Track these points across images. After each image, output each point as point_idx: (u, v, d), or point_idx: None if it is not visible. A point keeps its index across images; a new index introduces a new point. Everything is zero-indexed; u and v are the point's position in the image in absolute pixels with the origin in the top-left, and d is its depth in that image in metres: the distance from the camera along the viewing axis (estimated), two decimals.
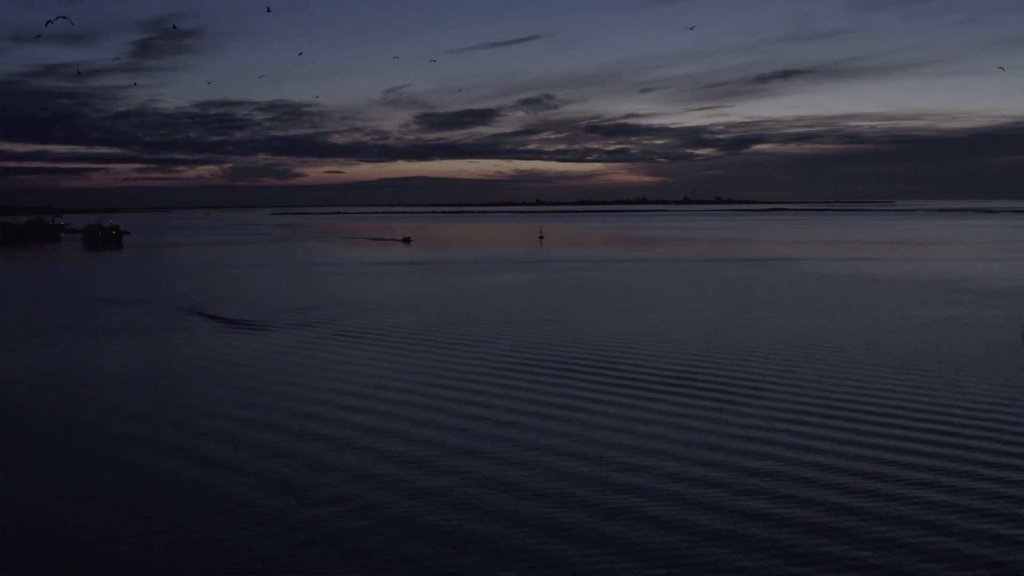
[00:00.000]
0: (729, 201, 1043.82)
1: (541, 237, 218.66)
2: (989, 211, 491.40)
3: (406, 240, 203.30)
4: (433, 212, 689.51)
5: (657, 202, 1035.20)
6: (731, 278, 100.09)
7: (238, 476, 27.80)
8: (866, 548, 21.60)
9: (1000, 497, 25.14)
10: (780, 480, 26.88)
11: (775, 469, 27.96)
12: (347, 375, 44.70)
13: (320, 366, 47.26)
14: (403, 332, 59.22)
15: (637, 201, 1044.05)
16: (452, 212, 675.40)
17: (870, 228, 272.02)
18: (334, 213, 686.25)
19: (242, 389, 41.43)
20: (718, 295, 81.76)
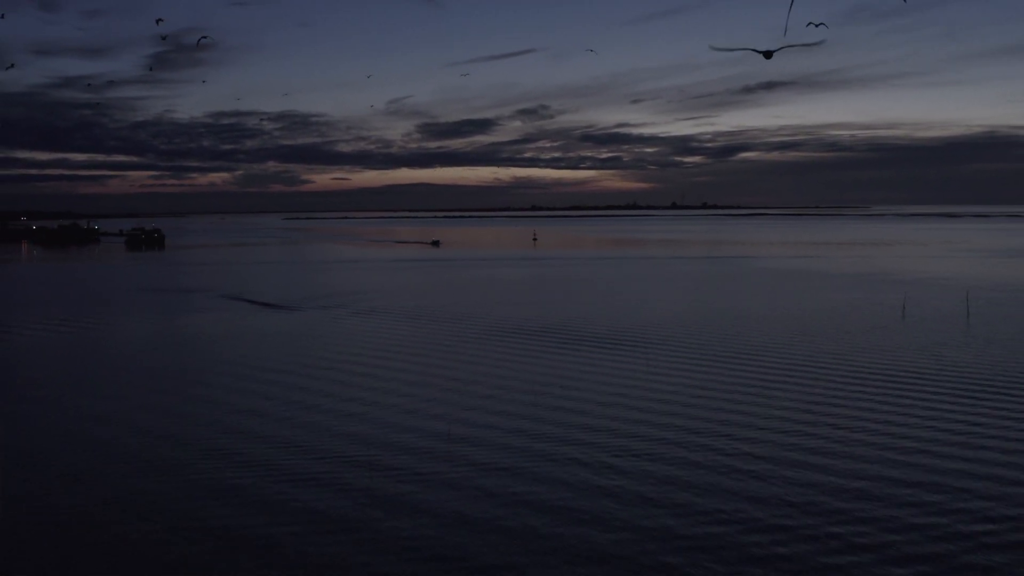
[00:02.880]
0: (715, 206, 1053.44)
1: (535, 239, 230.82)
2: (953, 215, 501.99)
3: (435, 243, 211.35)
4: (435, 217, 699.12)
5: (647, 207, 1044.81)
6: (693, 272, 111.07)
7: (276, 423, 38.73)
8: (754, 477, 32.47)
9: (851, 429, 36.08)
10: (691, 407, 37.83)
11: (689, 399, 38.91)
12: (362, 342, 55.65)
13: (340, 337, 58.21)
14: (410, 311, 70.04)
15: (627, 206, 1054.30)
16: (453, 217, 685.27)
17: (838, 231, 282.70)
18: (342, 218, 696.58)
19: (278, 354, 52.32)
20: (676, 284, 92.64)
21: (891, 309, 66.81)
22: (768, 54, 22.89)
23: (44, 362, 48.68)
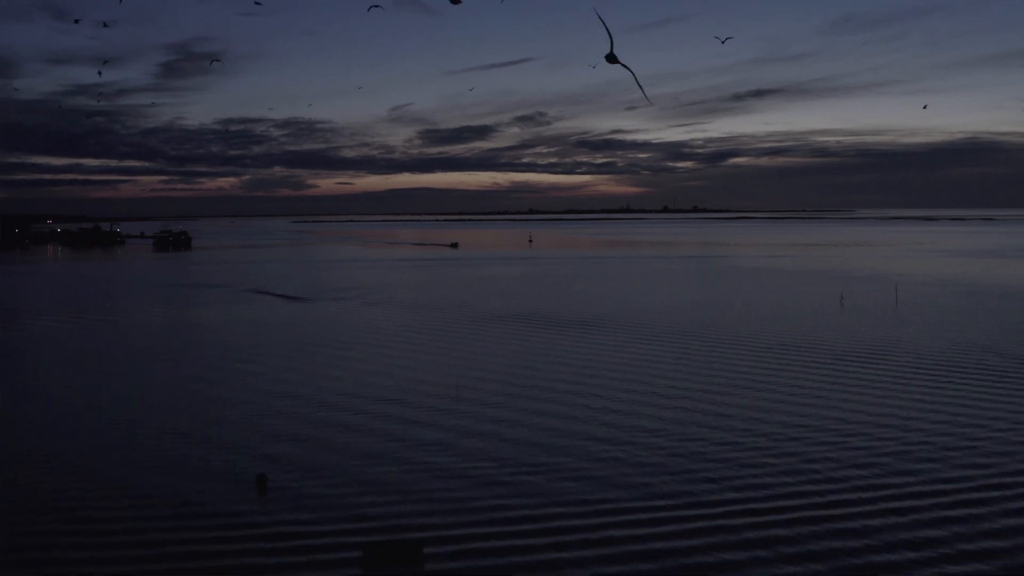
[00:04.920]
0: (705, 210, 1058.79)
1: (530, 240, 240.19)
2: (931, 219, 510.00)
3: (454, 245, 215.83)
4: (436, 220, 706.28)
5: (639, 211, 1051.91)
6: (671, 269, 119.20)
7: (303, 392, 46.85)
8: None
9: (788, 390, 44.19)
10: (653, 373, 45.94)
11: (653, 366, 47.01)
12: (379, 325, 63.79)
13: (359, 321, 66.37)
14: (418, 301, 78.13)
15: (621, 210, 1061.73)
16: (453, 220, 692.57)
17: (818, 233, 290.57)
18: (347, 221, 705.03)
19: (306, 335, 60.41)
20: (651, 279, 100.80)
21: (834, 298, 74.98)
22: (612, 58, 25.69)
23: (116, 340, 56.73)
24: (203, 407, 36.64)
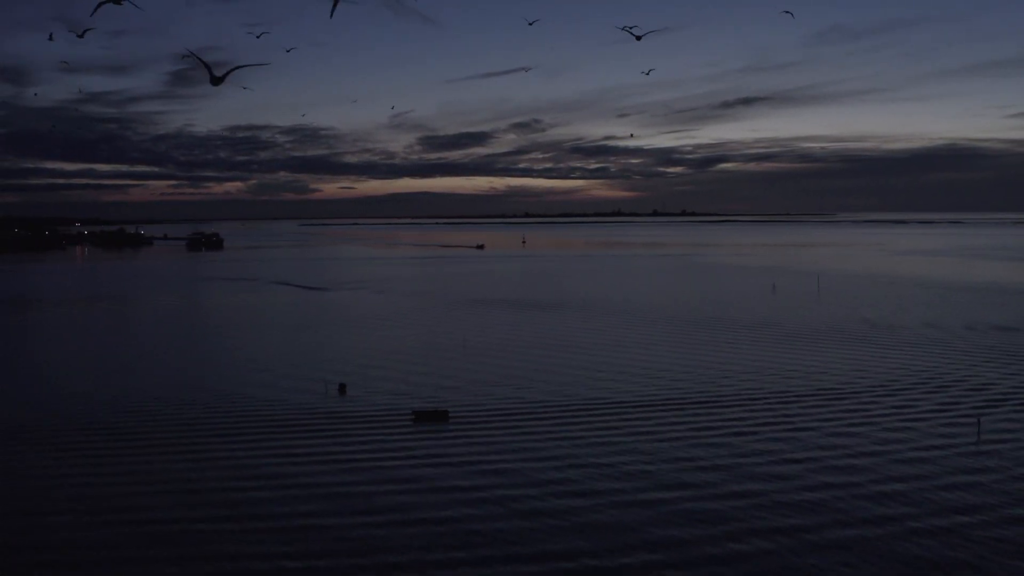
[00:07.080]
0: (694, 213, 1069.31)
1: (524, 242, 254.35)
2: (902, 222, 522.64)
3: (480, 246, 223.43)
4: (436, 223, 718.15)
5: (630, 214, 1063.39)
6: (642, 266, 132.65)
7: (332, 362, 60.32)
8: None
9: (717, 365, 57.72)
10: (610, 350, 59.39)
11: (612, 347, 60.50)
12: (389, 308, 77.22)
13: (371, 305, 79.73)
14: (414, 290, 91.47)
15: (613, 214, 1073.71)
16: (452, 223, 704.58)
17: (791, 235, 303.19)
18: (352, 224, 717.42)
19: (326, 316, 73.79)
20: (621, 273, 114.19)
21: (769, 288, 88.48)
22: (216, 80, 23.18)
23: (184, 317, 70.05)
24: (280, 357, 49.94)
